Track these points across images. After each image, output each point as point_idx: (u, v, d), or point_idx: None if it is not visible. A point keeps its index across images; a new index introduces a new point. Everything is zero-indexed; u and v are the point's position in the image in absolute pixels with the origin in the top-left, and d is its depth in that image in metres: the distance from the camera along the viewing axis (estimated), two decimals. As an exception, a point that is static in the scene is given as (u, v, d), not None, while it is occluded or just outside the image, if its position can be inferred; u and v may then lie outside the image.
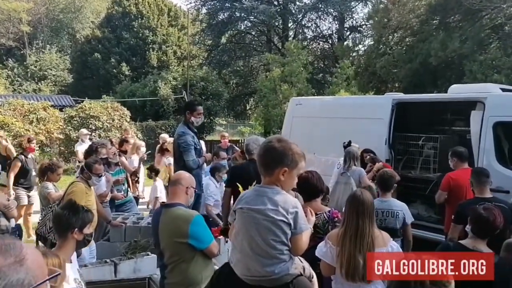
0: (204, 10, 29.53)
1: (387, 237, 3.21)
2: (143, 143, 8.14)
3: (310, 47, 28.89)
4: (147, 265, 4.34)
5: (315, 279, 2.45)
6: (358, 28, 27.63)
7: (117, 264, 4.36)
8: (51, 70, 36.71)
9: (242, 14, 26.89)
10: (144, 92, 22.39)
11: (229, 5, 27.01)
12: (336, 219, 3.68)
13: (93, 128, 15.15)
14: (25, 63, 36.84)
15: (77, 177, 4.76)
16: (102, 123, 15.53)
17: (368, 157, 6.56)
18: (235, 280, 2.24)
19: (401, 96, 8.01)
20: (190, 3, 29.29)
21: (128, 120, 16.76)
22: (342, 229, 3.18)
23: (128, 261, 4.46)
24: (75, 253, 2.74)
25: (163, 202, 3.62)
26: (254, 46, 31.03)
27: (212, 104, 22.25)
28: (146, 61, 32.28)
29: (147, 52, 32.20)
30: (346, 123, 8.08)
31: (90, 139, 13.34)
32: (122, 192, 6.33)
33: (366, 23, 21.87)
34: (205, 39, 30.47)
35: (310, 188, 3.78)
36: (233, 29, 28.83)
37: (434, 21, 13.37)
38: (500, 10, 10.48)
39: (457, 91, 7.40)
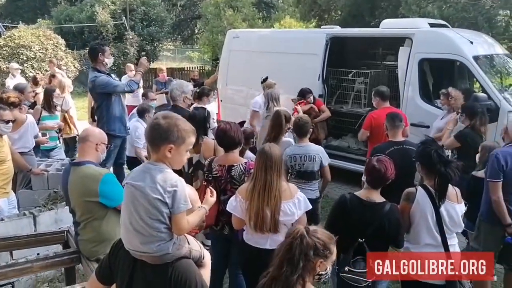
0: None
1: (294, 190, 3.32)
2: (69, 81, 7.77)
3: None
4: (68, 215, 4.30)
5: (207, 259, 2.50)
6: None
7: (36, 216, 4.32)
8: (-22, -13, 33.30)
9: None
10: (81, 17, 20.90)
11: None
12: (252, 170, 3.74)
13: (25, 58, 14.18)
14: None
15: (-14, 129, 4.49)
16: (34, 53, 14.53)
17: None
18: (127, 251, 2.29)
19: (335, 31, 7.96)
20: None
21: (63, 49, 15.75)
22: (251, 183, 3.26)
23: (48, 212, 4.41)
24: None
25: (72, 159, 3.53)
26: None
27: (154, 30, 21.22)
28: (85, -20, 29.77)
29: (87, -30, 29.63)
30: (282, 58, 8.05)
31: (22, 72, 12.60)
32: (48, 136, 6.10)
33: None
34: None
35: (227, 139, 3.78)
36: None
37: None
38: None
39: (388, 26, 7.42)
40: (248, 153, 4.52)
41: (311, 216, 3.37)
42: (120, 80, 7.17)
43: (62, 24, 21.35)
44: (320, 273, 2.09)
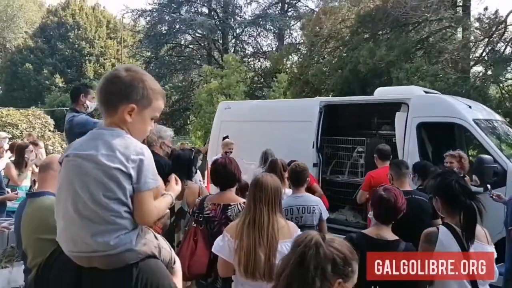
0: (142, 21, 28.80)
1: (294, 228, 2.80)
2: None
3: (250, 63, 28.85)
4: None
5: (177, 265, 1.87)
6: (297, 46, 27.98)
7: (-13, 275, 3.67)
8: (-22, 80, 34.31)
9: (182, 26, 26.40)
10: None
11: (168, 17, 26.46)
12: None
13: (10, 137, 13.87)
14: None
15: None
16: (21, 131, 14.28)
17: None
18: (66, 262, 1.63)
19: (328, 98, 7.84)
20: (127, 12, 28.63)
21: (52, 129, 15.52)
22: (241, 218, 2.74)
23: (1, 271, 3.77)
24: None
25: (29, 190, 3.00)
26: (194, 59, 30.57)
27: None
28: (82, 73, 31.05)
29: (84, 64, 30.98)
30: (275, 127, 7.81)
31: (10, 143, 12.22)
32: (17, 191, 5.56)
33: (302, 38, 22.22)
34: (143, 51, 29.66)
35: (227, 175, 3.25)
36: (173, 41, 28.27)
37: (365, 32, 13.60)
38: (424, 25, 10.78)
39: (383, 93, 7.32)
40: None
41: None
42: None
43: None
44: None
